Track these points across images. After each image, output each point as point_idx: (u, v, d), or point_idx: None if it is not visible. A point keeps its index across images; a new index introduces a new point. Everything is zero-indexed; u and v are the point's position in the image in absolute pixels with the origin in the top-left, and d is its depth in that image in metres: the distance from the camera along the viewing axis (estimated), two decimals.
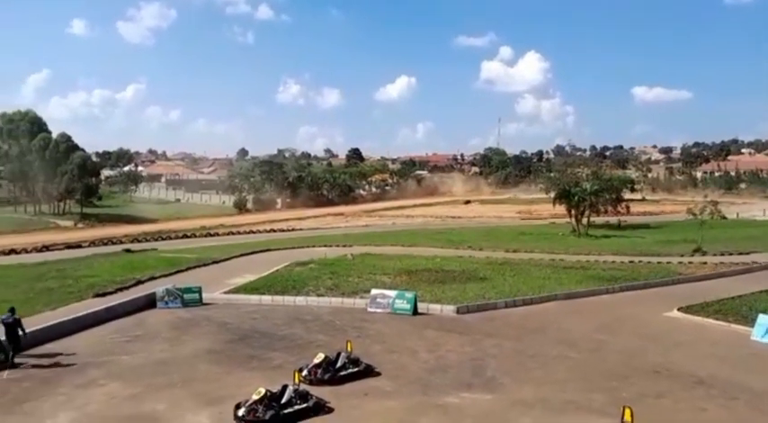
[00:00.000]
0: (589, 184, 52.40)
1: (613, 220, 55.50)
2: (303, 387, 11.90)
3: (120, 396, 12.41)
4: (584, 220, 51.28)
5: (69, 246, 44.54)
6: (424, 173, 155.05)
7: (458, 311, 19.93)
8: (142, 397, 12.33)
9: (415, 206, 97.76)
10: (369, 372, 13.73)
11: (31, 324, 16.22)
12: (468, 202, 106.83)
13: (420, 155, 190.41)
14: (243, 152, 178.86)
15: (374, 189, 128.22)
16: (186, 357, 15.19)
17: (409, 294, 20.48)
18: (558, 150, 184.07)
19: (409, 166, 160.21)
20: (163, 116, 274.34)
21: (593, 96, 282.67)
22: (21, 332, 14.59)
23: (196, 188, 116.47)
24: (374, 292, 21.09)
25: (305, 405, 11.35)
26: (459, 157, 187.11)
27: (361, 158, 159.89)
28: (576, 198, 50.35)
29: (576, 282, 25.23)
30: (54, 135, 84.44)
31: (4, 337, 14.58)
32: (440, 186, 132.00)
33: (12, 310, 14.89)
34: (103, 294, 22.60)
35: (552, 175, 69.20)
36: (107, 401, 12.12)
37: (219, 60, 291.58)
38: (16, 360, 14.47)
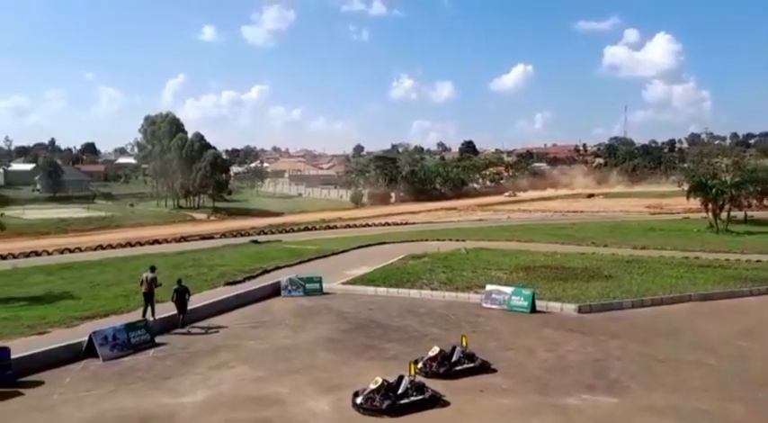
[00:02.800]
0: (729, 175, 47.67)
1: (759, 215, 50.13)
2: (419, 379, 11.97)
3: (247, 378, 13.27)
4: (723, 215, 46.71)
5: (203, 237, 48.48)
6: (543, 165, 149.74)
7: (579, 310, 19.02)
8: (267, 380, 13.09)
9: (532, 200, 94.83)
10: (484, 368, 13.52)
11: (172, 309, 17.86)
12: (590, 195, 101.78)
13: (538, 146, 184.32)
14: (359, 148, 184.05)
15: (488, 182, 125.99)
16: (307, 344, 15.89)
17: (527, 291, 19.88)
18: (693, 139, 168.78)
19: (526, 159, 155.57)
20: (285, 115, 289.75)
21: (732, 79, 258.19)
22: (187, 297, 17.59)
23: (316, 183, 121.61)
24: (489, 287, 20.72)
25: (420, 397, 11.41)
26: (581, 147, 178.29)
27: (475, 151, 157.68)
28: (714, 191, 45.96)
29: (713, 282, 23.08)
30: (189, 135, 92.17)
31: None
32: (560, 179, 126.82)
33: (179, 281, 17.82)
34: (233, 283, 24.30)
35: (686, 165, 63.81)
36: (237, 382, 13.00)
37: (336, 59, 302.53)
38: (156, 339, 16.04)
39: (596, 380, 12.95)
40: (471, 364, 13.40)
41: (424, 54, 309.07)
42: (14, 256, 36.92)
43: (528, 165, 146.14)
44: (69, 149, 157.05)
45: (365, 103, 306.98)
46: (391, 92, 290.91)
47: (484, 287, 21.12)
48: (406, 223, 61.05)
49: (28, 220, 66.63)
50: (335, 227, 57.52)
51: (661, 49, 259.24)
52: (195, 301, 19.20)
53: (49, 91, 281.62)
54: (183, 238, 47.21)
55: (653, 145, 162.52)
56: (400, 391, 11.35)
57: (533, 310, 19.22)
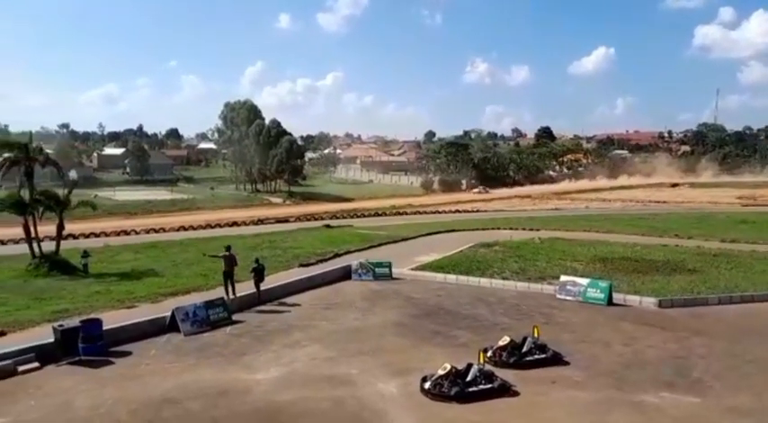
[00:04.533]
0: None
1: None
2: (488, 367, 11.85)
3: (319, 358, 13.61)
4: None
5: (279, 220, 49.99)
6: (624, 152, 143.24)
7: (660, 305, 18.13)
8: (338, 361, 13.37)
9: (612, 189, 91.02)
10: (556, 360, 13.19)
11: (249, 289, 18.58)
12: (675, 184, 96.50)
13: (619, 132, 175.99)
14: (430, 134, 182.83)
15: (566, 170, 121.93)
16: (376, 327, 16.09)
17: (604, 283, 19.17)
18: None
19: (606, 146, 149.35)
20: (357, 101, 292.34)
21: None
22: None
23: (387, 169, 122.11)
24: (564, 278, 20.13)
25: (489, 385, 11.30)
26: (666, 134, 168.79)
27: (552, 137, 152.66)
28: None
29: None
30: (266, 121, 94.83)
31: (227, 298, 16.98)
32: (642, 167, 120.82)
33: (257, 260, 19.09)
34: (306, 265, 24.95)
35: None
36: (309, 361, 13.37)
37: (408, 44, 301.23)
38: (233, 317, 16.77)
39: (677, 378, 12.34)
40: (543, 356, 13.11)
41: (500, 37, 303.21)
42: (106, 235, 39.53)
43: (608, 152, 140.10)
44: (155, 135, 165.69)
45: (437, 89, 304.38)
46: (464, 76, 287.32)
47: (558, 278, 20.53)
48: (478, 211, 60.25)
49: (118, 201, 71.06)
50: (405, 213, 57.65)
51: (759, 28, 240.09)
52: (270, 282, 19.91)
53: (137, 79, 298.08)
54: (260, 221, 48.85)
55: (747, 132, 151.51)
56: (469, 379, 11.28)
57: (610, 302, 18.52)
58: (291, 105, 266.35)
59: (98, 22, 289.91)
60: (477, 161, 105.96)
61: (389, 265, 22.81)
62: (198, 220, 50.86)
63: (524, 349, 13.09)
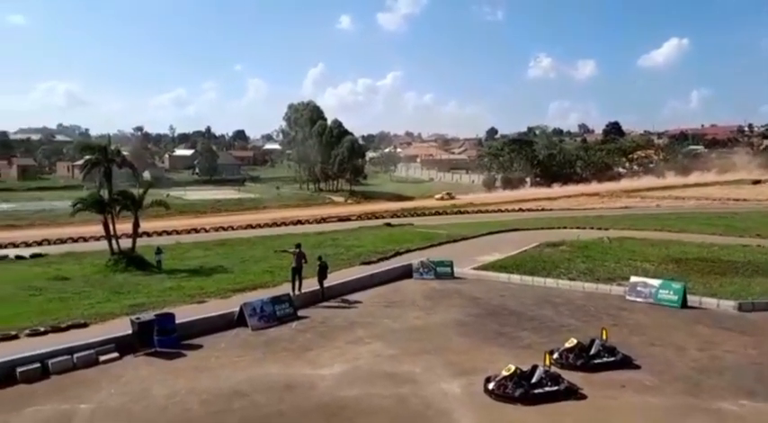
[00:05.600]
0: None
1: None
2: (554, 370, 11.58)
3: (382, 355, 13.70)
4: None
5: (341, 218, 50.67)
6: (699, 148, 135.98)
7: (740, 308, 17.14)
8: (401, 359, 13.41)
9: (686, 186, 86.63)
10: (626, 363, 12.72)
11: (314, 285, 18.92)
12: (757, 181, 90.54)
13: (694, 127, 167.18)
14: (492, 131, 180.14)
15: (635, 167, 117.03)
16: (438, 326, 16.03)
17: (677, 285, 18.31)
18: None
19: (680, 141, 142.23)
20: (417, 100, 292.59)
21: None
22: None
23: (448, 168, 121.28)
24: (634, 279, 19.38)
25: (555, 388, 11.03)
26: (746, 127, 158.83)
27: (621, 133, 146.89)
28: None
29: None
30: (328, 122, 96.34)
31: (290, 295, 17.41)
32: (719, 163, 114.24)
33: (320, 258, 19.43)
34: (368, 263, 25.19)
35: None
36: (372, 358, 13.49)
37: (468, 41, 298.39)
38: (298, 313, 17.15)
39: (758, 385, 11.62)
40: (612, 358, 12.67)
41: (565, 32, 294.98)
42: (178, 233, 41.29)
43: (681, 147, 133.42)
44: (223, 136, 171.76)
45: (498, 86, 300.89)
46: (527, 72, 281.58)
47: (628, 279, 19.80)
48: (543, 209, 58.90)
49: (188, 200, 74.06)
50: (467, 212, 57.10)
51: None
52: (333, 279, 20.20)
53: (205, 83, 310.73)
54: (323, 220, 49.73)
55: None
56: (534, 381, 11.06)
57: (684, 305, 17.67)
58: (352, 105, 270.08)
59: (168, 29, 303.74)
60: (542, 158, 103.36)
61: (451, 264, 22.66)
62: (264, 218, 52.29)
63: (592, 352, 12.70)
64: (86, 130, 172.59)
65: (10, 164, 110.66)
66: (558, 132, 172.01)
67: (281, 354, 13.92)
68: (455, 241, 31.94)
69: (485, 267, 23.68)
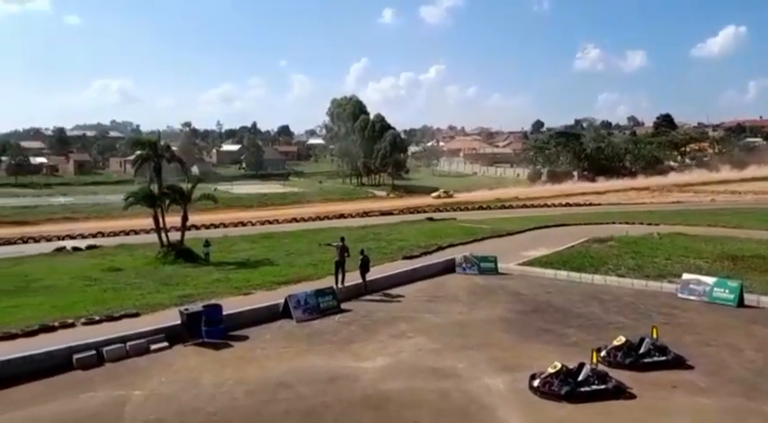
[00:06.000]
0: None
1: None
2: (601, 368, 11.29)
3: (425, 349, 13.66)
4: None
5: (383, 212, 50.86)
6: (758, 140, 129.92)
7: None
8: (443, 353, 13.34)
9: (742, 181, 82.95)
10: (678, 363, 12.28)
11: (356, 278, 19.03)
12: None
13: (752, 119, 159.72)
14: (538, 124, 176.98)
15: (688, 160, 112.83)
16: (482, 322, 15.86)
17: (733, 283, 17.58)
18: None
19: (736, 134, 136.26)
20: (460, 93, 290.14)
21: None
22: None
23: (491, 162, 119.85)
24: (687, 276, 18.69)
25: (603, 386, 10.76)
26: None
27: (673, 126, 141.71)
28: None
29: None
30: (371, 116, 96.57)
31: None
32: None
33: (362, 251, 19.67)
34: (410, 257, 25.14)
35: None
36: (415, 352, 13.47)
37: (513, 32, 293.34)
38: (342, 306, 17.29)
39: None
40: (662, 358, 12.26)
41: (613, 22, 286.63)
42: (225, 226, 42.30)
43: (738, 140, 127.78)
44: (268, 131, 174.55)
45: (544, 78, 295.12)
46: (574, 64, 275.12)
47: (680, 276, 19.13)
48: (590, 204, 57.60)
49: (235, 194, 75.68)
50: (511, 207, 56.34)
51: None
52: (376, 273, 20.28)
53: (250, 79, 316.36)
54: (365, 214, 50.00)
55: None
56: (580, 378, 10.81)
57: (741, 304, 16.95)
58: (395, 99, 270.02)
59: (214, 26, 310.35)
60: (589, 151, 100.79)
61: (495, 260, 22.37)
62: (308, 212, 53.01)
63: (642, 350, 12.31)
64: (138, 126, 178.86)
65: (67, 159, 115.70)
66: (607, 125, 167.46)
67: (325, 346, 14.06)
68: (499, 236, 31.54)
69: (530, 263, 23.28)
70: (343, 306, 17.33)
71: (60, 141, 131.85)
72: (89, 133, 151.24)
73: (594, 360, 11.32)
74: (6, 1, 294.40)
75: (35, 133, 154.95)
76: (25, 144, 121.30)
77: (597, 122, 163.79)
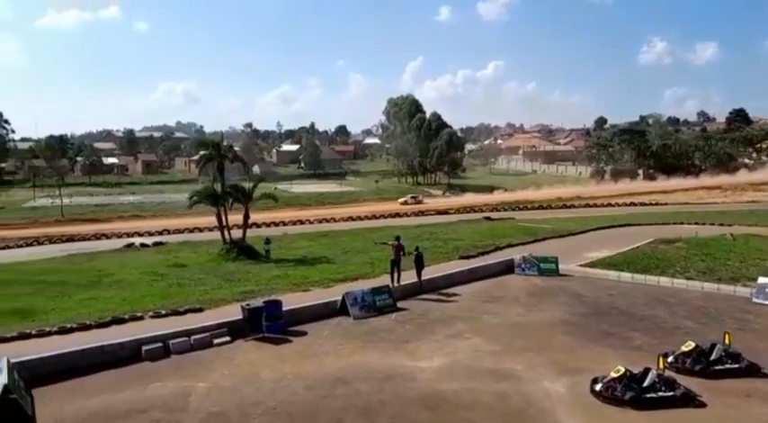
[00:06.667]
0: None
1: None
2: (668, 374, 10.83)
3: (482, 350, 13.49)
4: None
5: (439, 212, 50.66)
6: None
7: None
8: (501, 355, 13.14)
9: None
10: (753, 371, 11.61)
11: (411, 277, 19.02)
12: None
13: None
14: (601, 121, 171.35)
15: (765, 157, 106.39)
16: (541, 324, 15.52)
17: None
18: None
19: None
20: (519, 89, 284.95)
21: None
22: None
23: (552, 160, 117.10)
24: (762, 280, 17.63)
25: (670, 393, 10.31)
26: None
27: (748, 121, 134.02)
28: None
29: None
30: (427, 115, 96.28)
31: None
32: None
33: (417, 248, 19.61)
34: (467, 257, 24.87)
35: None
36: (472, 353, 13.32)
37: (574, 26, 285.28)
38: (398, 304, 17.29)
39: None
40: (735, 365, 11.62)
41: (681, 13, 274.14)
42: (284, 224, 43.25)
43: None
44: (326, 131, 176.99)
45: (607, 73, 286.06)
46: (639, 58, 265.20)
47: (755, 280, 18.08)
48: (656, 204, 55.39)
49: (293, 193, 77.23)
50: (573, 206, 54.91)
51: None
52: (432, 272, 20.21)
53: (309, 80, 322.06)
54: (421, 213, 49.98)
55: None
56: (646, 384, 10.39)
57: None
58: (451, 97, 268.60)
59: (273, 29, 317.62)
60: (655, 149, 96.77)
61: (556, 261, 21.83)
62: (364, 210, 53.45)
63: (713, 357, 11.71)
64: (201, 127, 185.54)
65: (135, 159, 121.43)
66: (674, 121, 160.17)
67: (381, 344, 14.12)
68: (561, 237, 30.75)
69: (592, 264, 22.58)
70: (399, 305, 17.35)
71: (130, 142, 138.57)
72: (156, 134, 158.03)
73: (661, 366, 10.89)
74: (81, 9, 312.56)
75: (107, 135, 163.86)
76: (98, 145, 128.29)
77: (664, 118, 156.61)
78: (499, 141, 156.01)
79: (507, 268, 22.01)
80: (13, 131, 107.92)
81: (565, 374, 11.80)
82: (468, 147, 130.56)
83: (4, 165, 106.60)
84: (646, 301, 17.47)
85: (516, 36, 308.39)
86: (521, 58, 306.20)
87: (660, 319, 15.73)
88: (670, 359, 11.69)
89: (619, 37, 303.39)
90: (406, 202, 66.36)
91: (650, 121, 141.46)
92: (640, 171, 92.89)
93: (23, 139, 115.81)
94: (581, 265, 22.40)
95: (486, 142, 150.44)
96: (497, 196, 71.92)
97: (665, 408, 10.15)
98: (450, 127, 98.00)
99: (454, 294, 18.80)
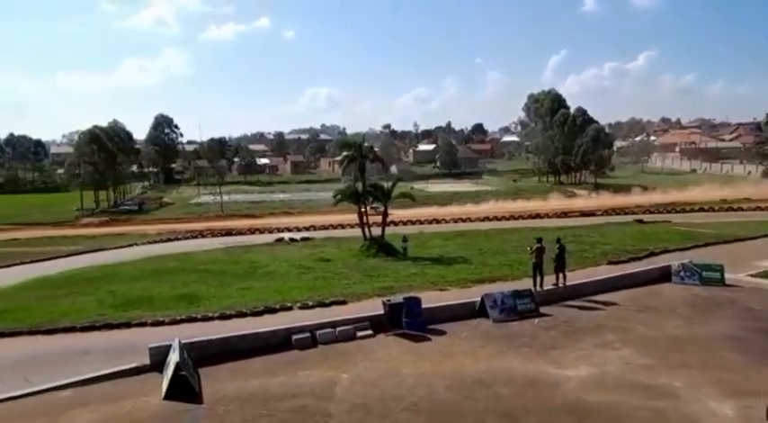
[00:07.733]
0: None
1: None
2: None
3: (634, 363, 12.52)
4: None
5: (583, 213, 47.89)
6: None
7: None
8: (657, 370, 12.09)
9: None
10: None
11: (553, 281, 18.21)
12: None
13: None
14: None
15: None
16: (704, 339, 14.05)
17: None
18: None
19: None
20: (676, 81, 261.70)
21: None
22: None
23: (715, 158, 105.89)
24: None
25: None
26: None
27: None
28: None
29: None
30: (571, 110, 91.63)
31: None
32: None
33: (558, 240, 18.76)
34: (617, 262, 23.32)
35: None
36: (623, 365, 12.41)
37: (739, 8, 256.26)
38: (540, 309, 16.65)
39: None
40: None
41: None
42: (420, 223, 43.69)
43: None
44: (462, 130, 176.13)
45: None
46: None
47: None
48: None
49: (430, 192, 77.72)
50: (741, 209, 49.02)
51: None
52: (577, 277, 19.22)
53: (445, 79, 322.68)
54: (564, 214, 47.64)
55: None
56: None
57: None
58: (597, 91, 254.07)
59: (408, 31, 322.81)
60: None
61: (721, 269, 19.62)
62: (500, 210, 52.26)
63: None
64: (344, 128, 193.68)
65: (285, 160, 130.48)
66: None
67: (523, 349, 13.67)
68: (726, 242, 27.65)
69: (766, 275, 20.03)
70: (541, 310, 16.67)
71: (279, 144, 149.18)
72: (303, 136, 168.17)
73: None
74: (237, 22, 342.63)
75: (260, 137, 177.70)
76: (252, 147, 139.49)
77: None
78: (652, 138, 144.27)
79: (663, 276, 20.21)
80: (181, 135, 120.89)
81: (734, 396, 10.57)
82: (618, 144, 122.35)
83: (174, 165, 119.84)
84: None
85: (672, 23, 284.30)
86: (677, 48, 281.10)
87: None
88: None
89: None
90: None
91: None
92: None
93: (189, 142, 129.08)
94: (751, 275, 20.00)
95: (638, 139, 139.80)
96: (650, 197, 66.41)
97: None
98: (597, 122, 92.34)
99: (602, 302, 17.64)
